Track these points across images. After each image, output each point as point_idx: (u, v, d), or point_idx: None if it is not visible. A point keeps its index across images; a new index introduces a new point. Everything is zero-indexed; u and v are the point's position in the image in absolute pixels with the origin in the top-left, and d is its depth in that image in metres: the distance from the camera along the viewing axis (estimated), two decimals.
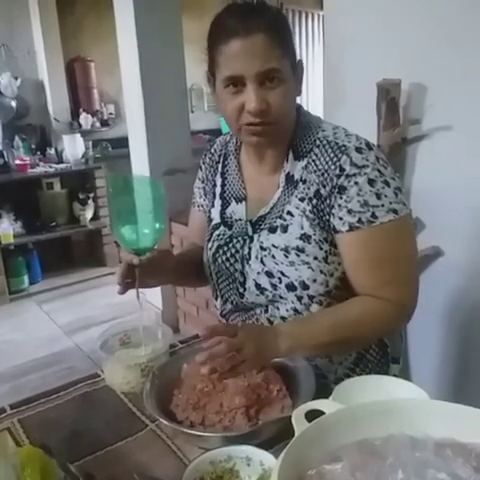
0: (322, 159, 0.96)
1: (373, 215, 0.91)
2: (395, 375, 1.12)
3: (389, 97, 1.55)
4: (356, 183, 0.91)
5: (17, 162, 3.98)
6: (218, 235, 1.09)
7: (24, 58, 4.30)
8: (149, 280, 1.00)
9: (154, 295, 3.17)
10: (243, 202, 1.08)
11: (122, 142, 3.67)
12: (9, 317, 3.60)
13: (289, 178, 1.00)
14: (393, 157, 1.51)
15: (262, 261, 1.01)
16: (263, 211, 1.03)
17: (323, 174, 0.95)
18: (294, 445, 0.58)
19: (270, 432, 0.81)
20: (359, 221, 0.92)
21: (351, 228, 0.93)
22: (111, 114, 4.84)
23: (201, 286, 1.26)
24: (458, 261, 1.56)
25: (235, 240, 1.06)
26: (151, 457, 0.84)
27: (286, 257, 0.98)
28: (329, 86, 1.92)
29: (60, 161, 4.27)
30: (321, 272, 0.97)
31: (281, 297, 1.01)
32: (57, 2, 4.23)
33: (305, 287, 0.98)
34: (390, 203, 0.92)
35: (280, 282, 0.99)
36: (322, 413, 0.65)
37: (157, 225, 0.96)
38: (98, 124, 4.71)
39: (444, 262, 1.60)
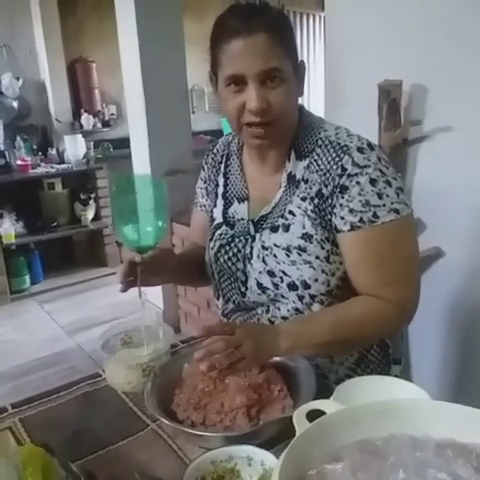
0: (324, 159, 0.96)
1: (375, 215, 0.91)
2: (396, 376, 1.12)
3: (390, 98, 1.56)
4: (358, 183, 0.92)
5: (19, 162, 3.98)
6: (220, 234, 1.10)
7: (26, 59, 4.30)
8: (151, 278, 1.00)
9: (155, 295, 3.17)
10: (245, 202, 1.08)
11: (123, 143, 3.68)
12: (10, 317, 3.61)
13: (291, 178, 1.00)
14: (394, 158, 1.51)
15: (264, 260, 1.01)
16: (265, 210, 1.03)
17: (325, 174, 0.95)
18: (295, 445, 0.58)
19: (271, 432, 0.81)
20: (361, 221, 0.92)
21: (352, 227, 0.93)
22: (112, 115, 4.85)
23: (202, 286, 1.26)
24: (459, 262, 1.56)
25: (237, 239, 1.07)
26: (152, 457, 0.84)
27: (288, 256, 0.98)
28: (330, 87, 1.92)
29: (61, 161, 4.27)
30: (323, 271, 0.97)
31: (283, 296, 1.02)
32: (59, 3, 4.24)
33: (306, 286, 0.98)
34: (392, 203, 0.92)
35: (282, 281, 1.00)
36: (323, 413, 0.65)
37: (159, 223, 0.96)
38: (99, 125, 4.71)
39: (445, 263, 1.60)
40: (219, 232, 1.10)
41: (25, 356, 2.99)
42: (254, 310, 1.08)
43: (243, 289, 1.07)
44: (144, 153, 3.00)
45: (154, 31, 2.84)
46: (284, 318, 1.03)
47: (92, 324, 3.24)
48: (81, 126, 4.56)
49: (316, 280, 0.98)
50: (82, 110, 4.59)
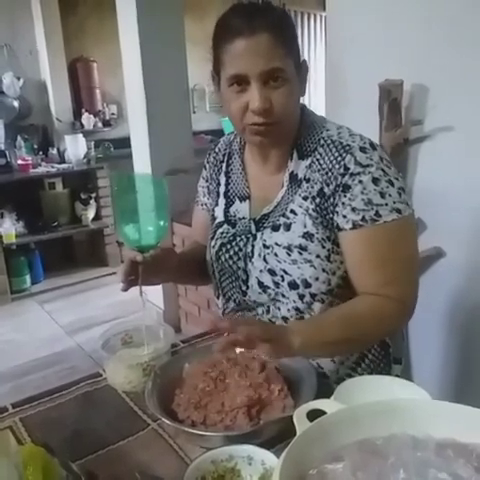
0: (326, 158, 0.96)
1: (377, 213, 0.91)
2: (397, 375, 1.12)
3: (391, 98, 1.55)
4: (360, 182, 0.92)
5: (19, 162, 3.98)
6: (222, 233, 1.10)
7: (26, 58, 4.31)
8: (152, 278, 1.00)
9: (156, 295, 3.17)
10: (247, 201, 1.08)
11: (124, 142, 3.68)
12: (11, 317, 3.61)
13: (293, 177, 1.01)
14: (395, 158, 1.51)
15: (265, 259, 1.01)
16: (267, 209, 1.03)
17: (327, 173, 0.95)
18: (296, 444, 0.58)
19: (271, 432, 0.81)
20: (363, 219, 0.92)
21: (355, 226, 0.93)
22: (113, 114, 4.85)
23: (203, 285, 1.27)
24: (459, 262, 1.56)
25: (238, 238, 1.07)
26: (153, 456, 0.84)
27: (289, 255, 0.98)
28: (331, 87, 1.92)
29: (62, 161, 4.27)
30: (323, 270, 0.97)
31: (283, 295, 1.02)
32: (60, 2, 4.24)
33: (307, 285, 0.98)
34: (394, 202, 0.92)
35: (282, 280, 1.00)
36: (324, 413, 0.65)
37: (161, 223, 0.97)
38: (100, 124, 4.72)
39: (445, 263, 1.60)
40: (220, 231, 1.11)
41: (25, 356, 2.99)
42: (255, 310, 1.08)
43: (244, 288, 1.07)
44: (145, 153, 3.00)
45: (155, 31, 2.84)
46: (284, 318, 1.03)
47: (92, 324, 3.24)
48: (82, 126, 4.56)
49: (317, 279, 0.98)
50: (83, 110, 4.60)
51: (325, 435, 0.60)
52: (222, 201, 1.13)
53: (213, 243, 1.11)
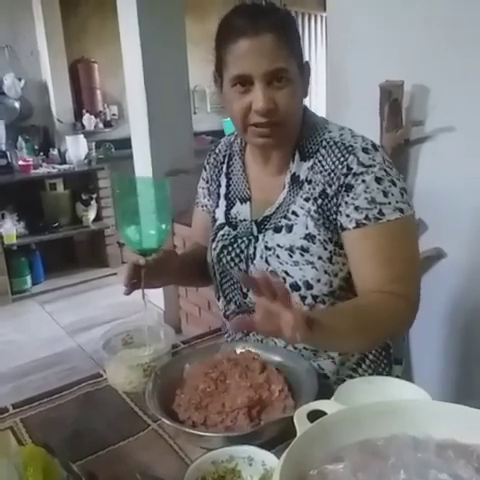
0: (329, 160, 0.96)
1: (380, 212, 0.91)
2: (397, 376, 1.12)
3: (392, 98, 1.55)
4: (363, 181, 0.92)
5: (20, 163, 3.99)
6: (223, 235, 1.10)
7: (27, 59, 4.31)
8: (154, 281, 1.00)
9: (156, 296, 3.17)
10: (247, 202, 1.08)
11: (125, 143, 3.68)
12: (11, 317, 3.61)
13: (295, 178, 1.01)
14: (396, 159, 1.51)
15: (267, 261, 1.01)
16: (269, 211, 1.03)
17: (329, 174, 0.95)
18: (296, 445, 0.58)
19: (272, 432, 0.81)
20: (366, 218, 0.92)
21: (358, 225, 0.93)
22: (114, 115, 4.85)
23: (204, 286, 1.26)
24: (460, 262, 1.56)
25: (240, 240, 1.07)
26: (153, 457, 0.84)
27: (290, 257, 0.98)
28: (332, 87, 1.92)
29: (63, 162, 4.28)
30: (325, 272, 0.97)
31: None
32: (61, 3, 4.25)
33: (309, 287, 0.98)
34: (396, 202, 0.92)
35: (284, 282, 0.99)
36: (324, 414, 0.65)
37: (162, 226, 0.96)
38: (101, 125, 4.72)
39: (446, 263, 1.59)
40: (221, 233, 1.10)
41: (26, 356, 2.99)
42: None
43: (245, 290, 1.07)
44: (146, 153, 3.00)
45: (156, 31, 2.84)
46: None
47: (93, 324, 3.24)
48: (83, 126, 4.56)
49: (318, 281, 0.98)
50: (84, 110, 4.60)
51: (326, 436, 0.60)
52: (223, 203, 1.13)
53: (214, 245, 1.11)
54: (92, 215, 4.31)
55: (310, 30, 5.78)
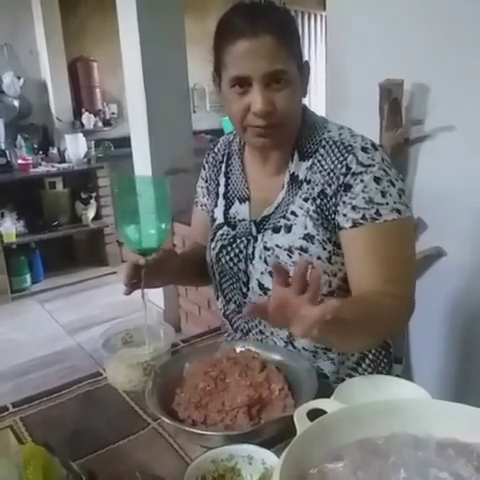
0: (328, 159, 0.96)
1: (377, 212, 0.91)
2: (397, 375, 1.12)
3: (391, 97, 1.55)
4: (362, 180, 0.92)
5: (19, 161, 3.98)
6: (222, 235, 1.10)
7: (27, 58, 4.31)
8: (154, 280, 1.00)
9: (156, 294, 3.17)
10: (246, 202, 1.08)
11: (124, 142, 3.68)
12: (11, 316, 3.61)
13: (294, 178, 1.00)
14: (395, 158, 1.51)
15: (266, 261, 1.01)
16: (267, 211, 1.03)
17: (329, 173, 0.95)
18: (296, 444, 0.58)
19: (272, 431, 0.81)
20: (363, 218, 0.92)
21: (355, 224, 0.92)
22: (113, 114, 4.85)
23: (203, 285, 1.26)
24: (460, 261, 1.56)
25: (239, 240, 1.06)
26: (153, 455, 0.84)
27: (290, 257, 0.98)
28: (332, 86, 1.92)
29: (62, 161, 4.28)
30: (324, 272, 0.97)
31: None
32: (60, 2, 4.24)
33: None
34: (394, 203, 0.92)
35: None
36: (324, 412, 0.65)
37: (162, 225, 0.96)
38: (100, 124, 4.72)
39: (446, 262, 1.59)
40: (221, 232, 1.10)
41: (26, 355, 2.99)
42: None
43: (244, 290, 1.07)
44: (145, 152, 3.00)
45: (155, 30, 2.84)
46: None
47: (93, 323, 3.24)
48: (82, 125, 4.56)
49: None
50: (83, 109, 4.60)
51: (326, 434, 0.60)
52: (221, 202, 1.13)
53: (213, 245, 1.11)
54: (91, 214, 4.31)
55: (310, 29, 5.78)
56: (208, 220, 1.17)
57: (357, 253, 0.95)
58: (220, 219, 1.12)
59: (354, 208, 0.92)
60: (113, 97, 4.83)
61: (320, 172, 0.96)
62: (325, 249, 0.96)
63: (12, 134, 4.15)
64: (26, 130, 4.28)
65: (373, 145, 0.95)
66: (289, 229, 0.99)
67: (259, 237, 1.03)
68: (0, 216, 3.88)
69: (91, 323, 3.26)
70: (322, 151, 0.98)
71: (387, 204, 0.91)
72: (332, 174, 0.95)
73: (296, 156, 1.00)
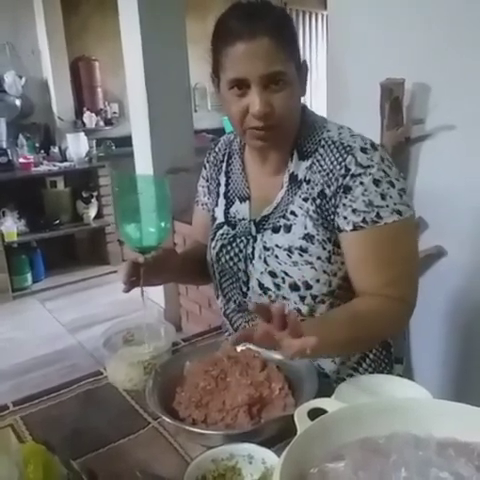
0: (327, 159, 0.96)
1: (378, 215, 0.91)
2: (398, 375, 1.12)
3: (392, 97, 1.55)
4: (362, 183, 0.91)
5: (21, 160, 3.99)
6: (222, 234, 1.09)
7: (28, 57, 4.31)
8: (153, 279, 1.00)
9: (157, 293, 3.18)
10: (247, 202, 1.08)
11: (126, 141, 3.68)
12: (12, 315, 3.61)
13: (293, 178, 1.00)
14: (396, 157, 1.51)
15: (265, 261, 1.01)
16: (267, 211, 1.03)
17: (328, 174, 0.95)
18: (296, 443, 0.58)
19: (272, 430, 0.81)
20: (363, 221, 0.92)
21: (355, 228, 0.92)
22: (115, 113, 4.86)
23: (204, 284, 1.26)
24: (461, 261, 1.56)
25: (239, 240, 1.06)
26: (153, 454, 0.84)
27: (289, 257, 0.98)
28: (333, 85, 1.92)
29: (64, 160, 4.28)
30: (324, 272, 0.97)
31: (284, 297, 1.01)
32: (62, 2, 4.25)
33: (308, 287, 0.98)
34: (394, 204, 0.91)
35: (283, 282, 0.99)
36: (324, 412, 0.65)
37: (162, 224, 0.96)
38: (102, 123, 4.73)
39: (447, 262, 1.59)
40: (221, 232, 1.10)
41: (26, 354, 2.99)
42: None
43: (244, 289, 1.07)
44: (146, 151, 3.00)
45: (157, 30, 2.84)
46: None
47: (94, 322, 3.24)
48: (83, 124, 4.57)
49: (317, 281, 0.97)
50: (85, 108, 4.60)
51: (326, 434, 0.60)
52: (222, 201, 1.13)
53: (213, 244, 1.11)
54: (93, 213, 4.31)
55: (311, 28, 5.78)
56: (209, 219, 1.17)
57: (358, 256, 0.95)
58: (220, 218, 1.12)
59: (354, 211, 0.92)
60: (115, 96, 4.83)
61: (319, 172, 0.96)
62: (325, 249, 0.96)
63: (14, 133, 4.15)
64: (28, 129, 4.28)
65: (372, 145, 0.95)
66: (289, 229, 0.99)
67: (258, 237, 1.03)
68: (1, 215, 3.89)
69: (92, 322, 3.27)
70: (321, 151, 0.97)
71: (387, 206, 0.91)
72: (331, 175, 0.94)
73: (295, 156, 1.00)
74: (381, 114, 1.59)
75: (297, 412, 0.66)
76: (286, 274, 0.99)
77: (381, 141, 1.58)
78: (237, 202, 1.10)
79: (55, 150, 4.32)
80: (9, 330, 3.35)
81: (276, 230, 1.00)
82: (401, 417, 0.62)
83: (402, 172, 0.98)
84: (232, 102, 0.92)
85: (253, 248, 1.03)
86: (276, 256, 0.99)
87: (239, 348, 1.00)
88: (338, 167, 0.94)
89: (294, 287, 0.99)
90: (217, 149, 1.18)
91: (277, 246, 0.99)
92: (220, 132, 4.20)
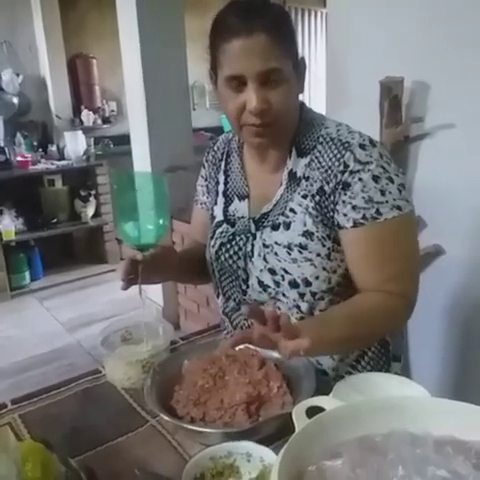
0: (326, 156, 0.96)
1: (377, 211, 0.91)
2: (396, 373, 1.12)
3: (392, 95, 1.55)
4: (360, 179, 0.91)
5: (19, 159, 3.98)
6: (221, 232, 1.10)
7: (26, 55, 4.29)
8: (152, 276, 1.00)
9: (155, 292, 3.18)
10: (246, 199, 1.08)
11: (124, 139, 3.68)
12: (10, 313, 3.61)
13: (292, 175, 1.00)
14: (395, 155, 1.50)
15: (265, 258, 1.01)
16: (266, 208, 1.03)
17: (327, 171, 0.95)
18: (295, 441, 0.58)
19: (270, 428, 0.81)
20: (363, 217, 0.92)
21: (355, 224, 0.93)
22: (113, 111, 4.84)
23: (203, 283, 1.26)
24: (459, 259, 1.56)
25: (238, 237, 1.06)
26: (152, 453, 0.84)
27: (289, 254, 0.98)
28: (332, 84, 1.92)
29: (62, 158, 4.27)
30: (323, 269, 0.97)
31: (284, 294, 1.01)
32: None
33: (308, 284, 0.98)
34: (394, 200, 0.92)
35: (283, 279, 0.99)
36: (322, 410, 0.65)
37: (160, 221, 0.96)
38: (100, 121, 4.71)
39: (445, 260, 1.60)
40: (220, 230, 1.10)
41: (25, 352, 2.99)
42: None
43: (244, 287, 1.07)
44: (144, 150, 3.00)
45: (155, 28, 2.83)
46: None
47: (92, 321, 3.24)
48: (81, 122, 4.55)
49: (317, 278, 0.98)
50: (82, 106, 4.59)
51: (324, 432, 0.60)
52: (221, 200, 1.13)
53: (212, 242, 1.11)
54: (91, 211, 4.30)
55: (310, 26, 5.77)
56: (208, 218, 1.17)
57: (358, 253, 0.95)
58: (219, 217, 1.12)
59: (354, 208, 0.92)
60: (112, 94, 4.82)
61: (318, 169, 0.96)
62: (324, 246, 0.96)
63: (11, 131, 4.14)
64: (25, 127, 4.27)
65: (371, 141, 0.95)
66: (288, 226, 0.99)
67: (258, 234, 1.03)
68: None
69: (90, 320, 3.27)
70: (320, 148, 0.97)
71: (387, 202, 0.91)
72: (330, 171, 0.95)
73: (294, 153, 1.00)
74: (380, 112, 1.59)
75: (295, 410, 0.66)
76: (285, 271, 0.99)
77: (380, 139, 1.58)
78: (236, 200, 1.10)
79: (53, 148, 4.31)
80: (7, 328, 3.35)
81: (275, 227, 1.00)
82: (399, 415, 0.62)
83: (401, 169, 0.98)
84: (229, 99, 0.92)
85: (252, 246, 1.04)
86: (275, 253, 0.99)
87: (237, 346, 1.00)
88: (337, 164, 0.94)
89: (293, 284, 0.99)
90: (216, 148, 1.18)
91: (276, 243, 0.99)
92: (218, 130, 4.19)
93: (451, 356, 1.65)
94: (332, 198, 0.94)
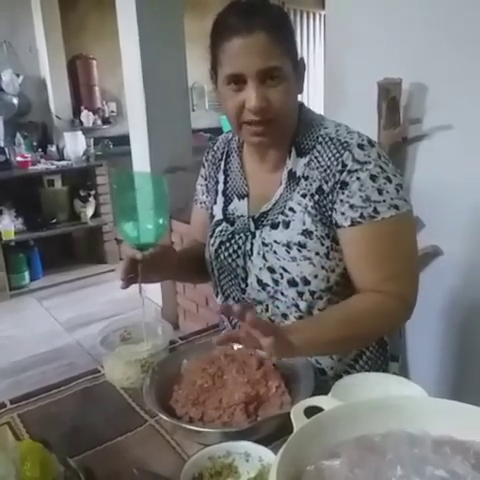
0: (325, 156, 0.96)
1: (375, 210, 0.92)
2: (394, 373, 1.12)
3: (390, 96, 1.55)
4: (358, 178, 0.92)
5: (18, 159, 3.98)
6: (220, 231, 1.10)
7: (26, 55, 4.30)
8: (151, 275, 1.00)
9: (154, 292, 3.18)
10: (245, 199, 1.08)
11: (123, 140, 3.68)
12: (10, 313, 3.61)
13: (291, 175, 1.01)
14: (393, 156, 1.50)
15: (264, 257, 1.01)
16: (265, 207, 1.04)
17: (325, 170, 0.95)
18: (293, 441, 0.58)
19: (269, 428, 0.81)
20: (361, 216, 0.92)
21: (353, 223, 0.93)
22: (112, 112, 4.85)
23: (202, 282, 1.26)
24: (457, 260, 1.56)
25: (237, 236, 1.07)
26: (150, 452, 0.84)
27: (288, 253, 0.98)
28: (330, 85, 1.92)
29: (61, 158, 4.27)
30: (322, 268, 0.98)
31: (282, 293, 1.02)
32: (59, 0, 4.23)
33: (306, 283, 0.98)
34: (392, 199, 0.92)
35: (282, 278, 1.00)
36: (321, 410, 0.65)
37: (160, 221, 0.97)
38: (99, 122, 4.71)
39: (443, 261, 1.60)
40: (219, 229, 1.11)
41: (24, 352, 2.99)
42: (254, 308, 1.08)
43: (243, 285, 1.07)
44: (144, 150, 3.00)
45: (155, 29, 2.84)
46: (284, 315, 1.03)
47: (91, 320, 3.24)
48: (81, 123, 4.56)
49: (316, 276, 0.98)
50: (82, 107, 4.59)
51: (322, 432, 0.61)
52: (220, 199, 1.13)
53: (212, 241, 1.11)
54: (90, 211, 4.30)
55: (308, 28, 5.77)
56: (208, 218, 1.18)
57: (357, 252, 0.96)
58: (219, 216, 1.12)
59: (352, 207, 0.93)
60: (112, 95, 4.83)
61: (317, 168, 0.97)
62: (323, 245, 0.97)
63: (11, 132, 4.14)
64: (25, 128, 4.27)
65: (369, 141, 0.95)
66: (287, 225, 0.99)
67: (257, 233, 1.04)
68: None
69: (89, 320, 3.27)
70: (319, 147, 0.98)
71: (384, 201, 0.92)
72: (328, 171, 0.95)
73: (293, 153, 1.01)
74: (378, 114, 1.60)
75: (293, 410, 0.66)
76: (284, 270, 0.99)
77: (378, 140, 1.58)
78: (235, 199, 1.10)
79: (53, 149, 4.32)
80: (7, 328, 3.35)
81: (275, 226, 1.01)
82: (397, 415, 0.62)
83: (399, 170, 0.99)
84: (229, 97, 0.93)
85: (252, 244, 1.04)
86: (274, 252, 1.00)
87: (236, 346, 1.01)
88: (335, 163, 0.94)
89: (292, 283, 0.99)
90: (215, 148, 1.18)
91: (276, 242, 1.00)
92: (218, 131, 4.20)
93: (449, 356, 1.66)
94: (330, 197, 0.95)
